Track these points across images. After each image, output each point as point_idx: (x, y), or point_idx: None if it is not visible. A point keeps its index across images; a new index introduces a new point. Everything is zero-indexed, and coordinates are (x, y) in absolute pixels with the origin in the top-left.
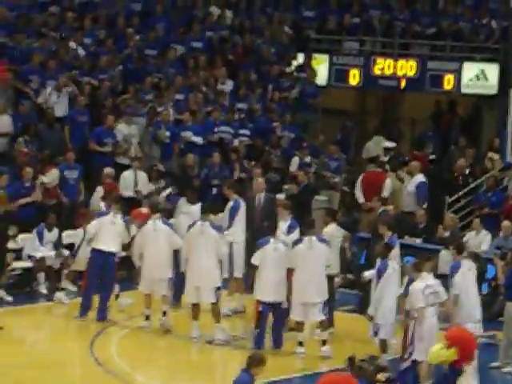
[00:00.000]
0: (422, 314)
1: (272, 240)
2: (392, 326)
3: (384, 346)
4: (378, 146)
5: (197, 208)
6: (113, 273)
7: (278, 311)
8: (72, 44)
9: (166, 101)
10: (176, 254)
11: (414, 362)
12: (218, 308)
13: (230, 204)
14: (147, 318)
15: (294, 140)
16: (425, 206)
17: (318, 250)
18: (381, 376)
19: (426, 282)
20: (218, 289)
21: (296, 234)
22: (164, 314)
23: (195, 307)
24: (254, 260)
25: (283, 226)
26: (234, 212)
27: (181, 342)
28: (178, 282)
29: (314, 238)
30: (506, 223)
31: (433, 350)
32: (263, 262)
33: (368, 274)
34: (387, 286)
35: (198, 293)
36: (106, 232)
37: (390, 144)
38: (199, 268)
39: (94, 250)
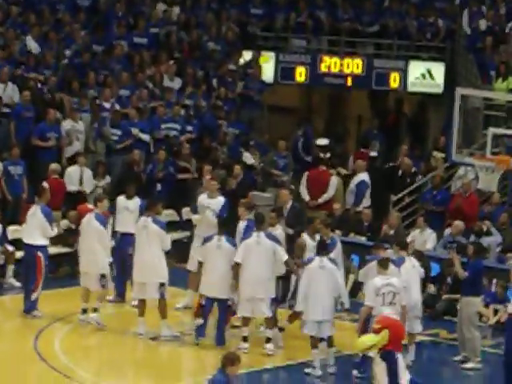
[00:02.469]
0: (364, 312)
1: (216, 237)
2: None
3: (314, 341)
4: None
5: (134, 203)
6: (34, 265)
7: (222, 308)
8: (28, 38)
9: (111, 97)
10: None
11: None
12: (164, 304)
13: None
14: (95, 310)
15: (239, 136)
16: (365, 204)
17: (265, 245)
18: None
19: (387, 279)
20: (162, 285)
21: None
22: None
23: (141, 303)
24: (198, 256)
25: (241, 225)
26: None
27: (126, 338)
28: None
29: (262, 233)
30: (457, 222)
31: (362, 338)
32: (207, 259)
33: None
34: (314, 282)
35: (143, 289)
36: (27, 224)
37: (322, 142)
38: (143, 263)
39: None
